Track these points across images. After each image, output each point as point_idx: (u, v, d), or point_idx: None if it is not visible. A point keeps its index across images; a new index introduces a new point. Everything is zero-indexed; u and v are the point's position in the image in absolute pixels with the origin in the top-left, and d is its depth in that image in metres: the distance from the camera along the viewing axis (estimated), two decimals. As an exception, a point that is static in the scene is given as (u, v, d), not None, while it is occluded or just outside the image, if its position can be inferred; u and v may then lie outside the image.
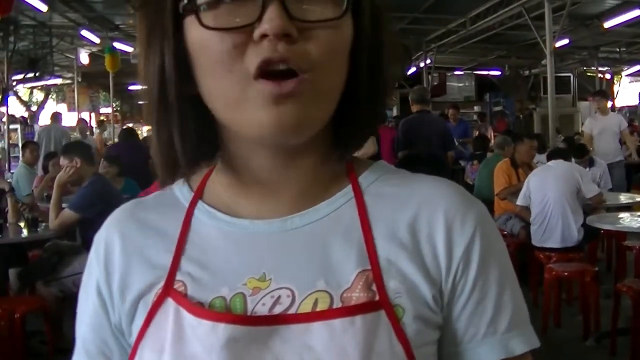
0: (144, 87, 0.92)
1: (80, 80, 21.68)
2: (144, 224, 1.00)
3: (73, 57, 19.87)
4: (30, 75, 18.88)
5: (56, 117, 15.27)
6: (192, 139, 0.91)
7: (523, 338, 0.92)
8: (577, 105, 23.40)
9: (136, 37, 0.94)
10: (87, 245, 5.97)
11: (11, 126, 17.28)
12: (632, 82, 26.66)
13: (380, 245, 0.91)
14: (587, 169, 8.57)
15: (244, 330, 0.85)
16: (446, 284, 0.91)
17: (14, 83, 19.21)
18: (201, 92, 0.88)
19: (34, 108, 26.15)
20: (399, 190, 0.96)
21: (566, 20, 12.87)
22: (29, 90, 27.59)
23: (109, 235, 1.01)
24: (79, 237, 6.44)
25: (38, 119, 23.17)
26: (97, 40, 17.26)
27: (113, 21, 17.10)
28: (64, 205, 6.08)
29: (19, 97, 24.32)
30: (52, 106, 27.80)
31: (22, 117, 21.21)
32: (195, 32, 0.84)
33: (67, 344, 5.80)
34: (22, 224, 6.61)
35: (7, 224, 6.52)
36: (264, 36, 0.80)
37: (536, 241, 7.07)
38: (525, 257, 7.28)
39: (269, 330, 0.85)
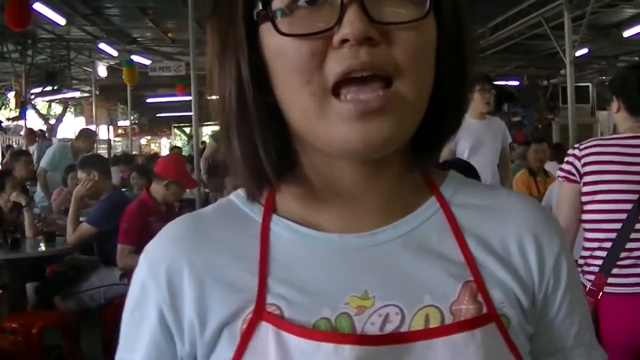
0: (218, 97, 0.88)
1: (98, 93, 21.75)
2: (212, 240, 0.92)
3: (91, 70, 19.97)
4: (49, 88, 19.00)
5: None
6: (275, 149, 0.87)
7: (600, 351, 0.99)
8: (596, 115, 23.28)
9: (208, 45, 0.90)
10: (104, 260, 5.99)
11: (30, 139, 17.31)
12: (652, 91, 26.52)
13: (476, 255, 0.89)
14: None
15: (373, 350, 0.81)
16: (539, 295, 0.92)
17: (33, 96, 19.32)
18: (278, 100, 0.84)
19: (52, 121, 26.28)
20: (483, 202, 0.95)
21: (585, 30, 12.76)
22: (48, 104, 27.75)
23: (169, 255, 0.92)
24: (97, 251, 6.42)
25: (56, 132, 23.26)
26: (115, 53, 17.36)
27: (131, 34, 17.19)
28: (81, 219, 6.07)
29: (37, 111, 24.43)
30: (70, 120, 28.00)
31: (41, 130, 21.32)
32: (270, 39, 0.81)
33: (84, 359, 5.79)
34: (39, 238, 6.59)
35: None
36: (344, 41, 0.76)
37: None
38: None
39: (394, 349, 0.81)
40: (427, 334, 0.82)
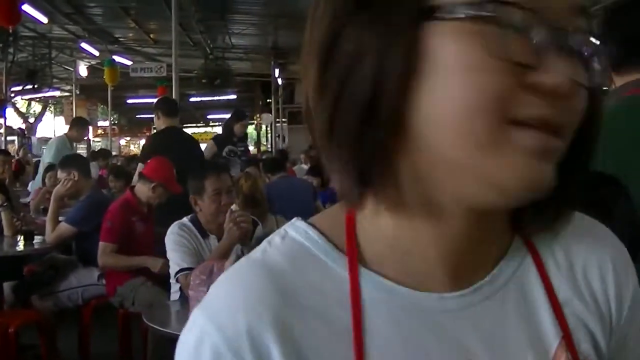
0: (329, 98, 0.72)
1: (78, 92, 21.66)
2: (298, 303, 0.76)
3: (72, 69, 19.88)
4: (29, 87, 18.91)
5: None
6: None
7: None
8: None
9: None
10: (82, 259, 5.96)
11: (9, 138, 17.27)
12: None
13: (565, 302, 0.84)
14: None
15: None
16: (615, 335, 0.87)
17: (12, 94, 19.21)
18: (418, 116, 0.69)
19: (31, 120, 26.16)
20: (564, 233, 0.86)
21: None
22: (27, 102, 27.59)
23: (252, 323, 0.73)
24: (75, 251, 6.40)
25: (36, 131, 23.15)
26: (96, 53, 17.33)
27: (113, 34, 17.14)
28: (60, 218, 6.06)
29: (17, 109, 24.31)
30: (49, 119, 27.87)
31: (20, 128, 21.23)
32: (445, 46, 0.68)
33: (60, 358, 5.73)
34: (17, 237, 6.55)
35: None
36: (543, 86, 0.67)
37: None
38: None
39: None
40: None
